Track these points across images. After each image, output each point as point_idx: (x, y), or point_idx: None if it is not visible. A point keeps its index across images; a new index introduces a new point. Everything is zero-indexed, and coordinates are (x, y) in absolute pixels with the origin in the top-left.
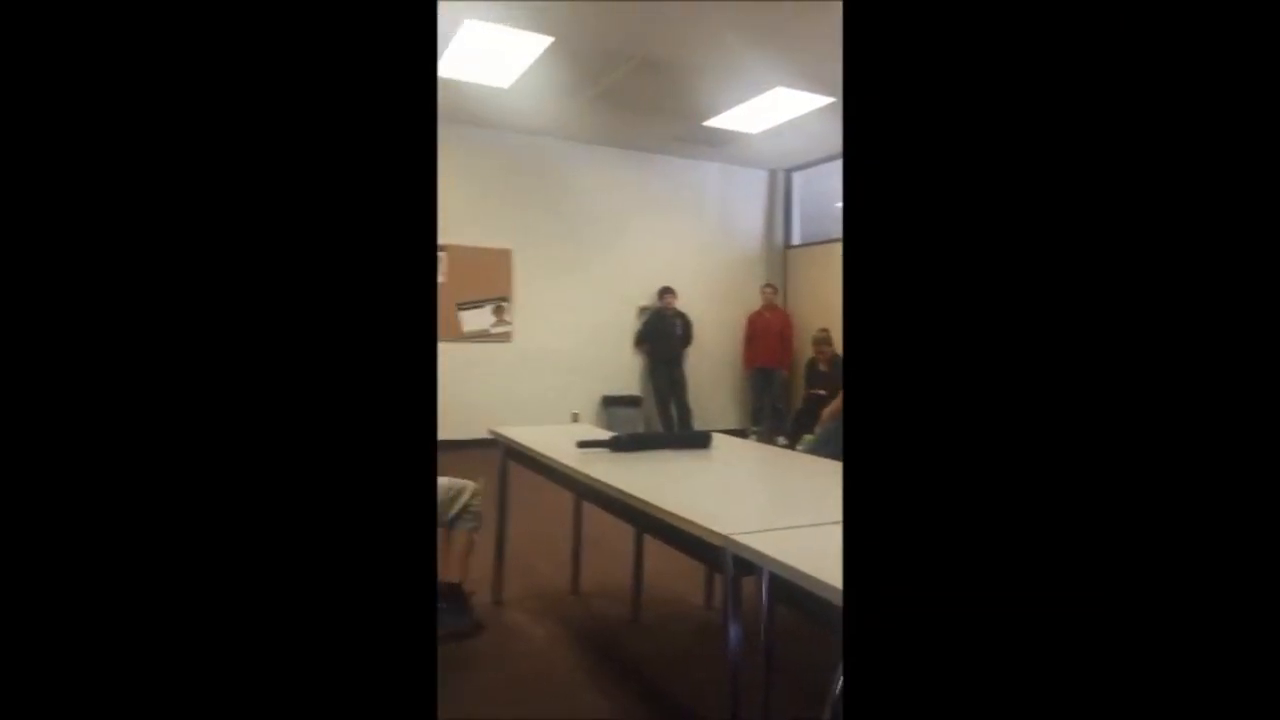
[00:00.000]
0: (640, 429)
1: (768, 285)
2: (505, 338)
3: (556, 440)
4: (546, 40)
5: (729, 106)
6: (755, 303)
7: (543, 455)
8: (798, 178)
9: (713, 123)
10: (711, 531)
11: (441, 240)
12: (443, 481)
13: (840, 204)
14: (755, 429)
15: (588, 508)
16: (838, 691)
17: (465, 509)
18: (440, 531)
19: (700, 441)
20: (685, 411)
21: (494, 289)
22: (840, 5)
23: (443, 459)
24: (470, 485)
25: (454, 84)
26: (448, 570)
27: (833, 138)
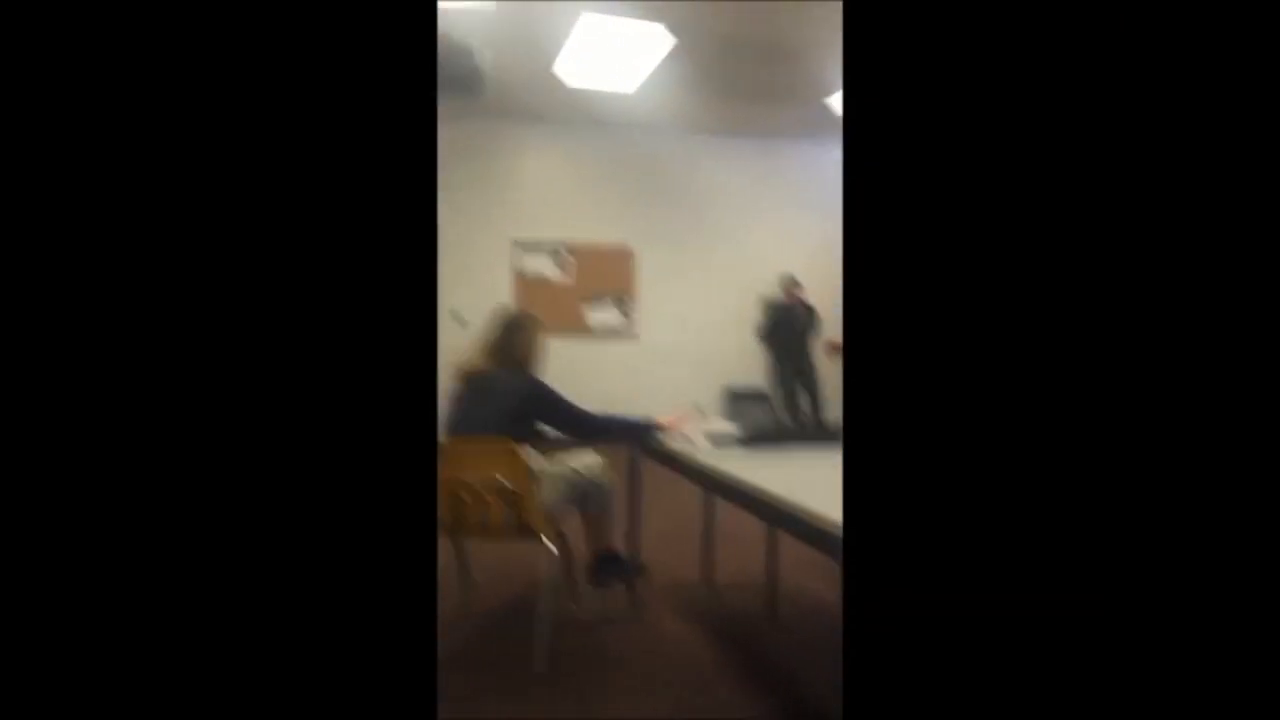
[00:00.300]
0: (765, 423)
1: None
2: (630, 334)
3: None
4: (671, 38)
5: None
6: None
7: (673, 451)
8: None
9: (834, 101)
10: None
11: (566, 240)
12: (568, 466)
13: None
14: None
15: (718, 500)
16: None
17: (592, 484)
18: (579, 516)
19: (832, 435)
20: (818, 403)
21: (618, 286)
22: None
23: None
24: (592, 461)
25: (577, 90)
26: (594, 543)
27: None
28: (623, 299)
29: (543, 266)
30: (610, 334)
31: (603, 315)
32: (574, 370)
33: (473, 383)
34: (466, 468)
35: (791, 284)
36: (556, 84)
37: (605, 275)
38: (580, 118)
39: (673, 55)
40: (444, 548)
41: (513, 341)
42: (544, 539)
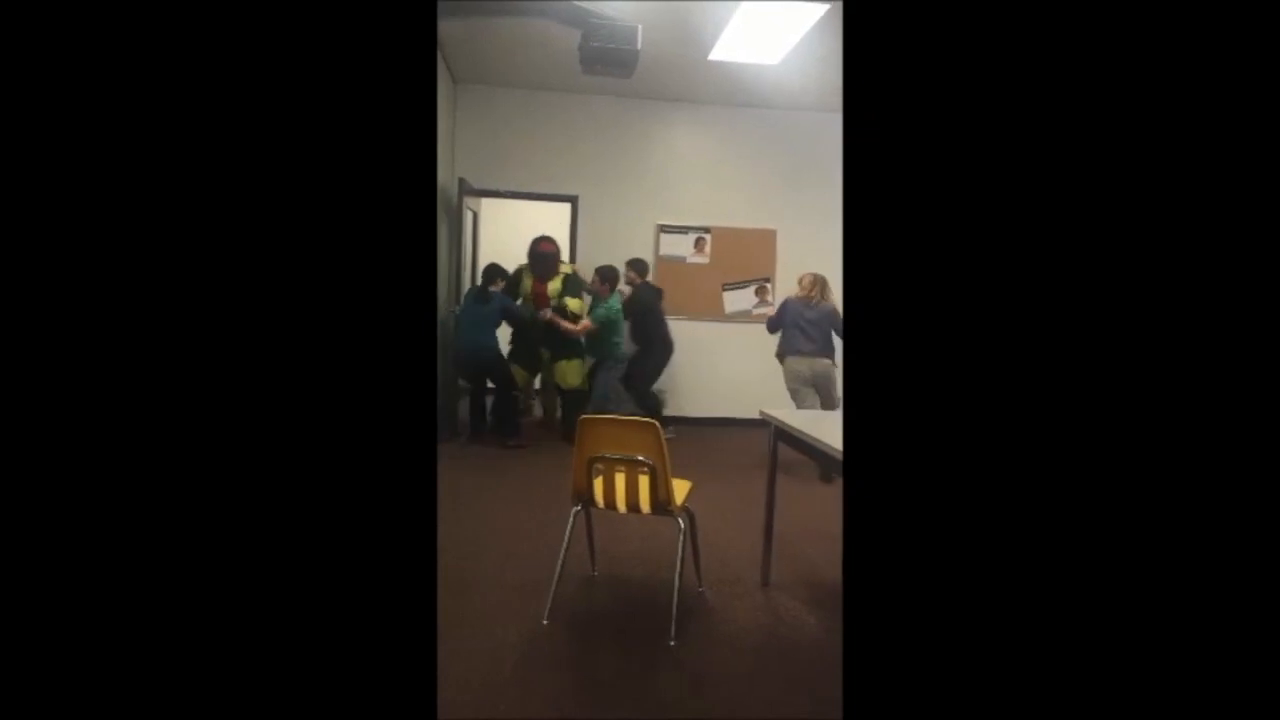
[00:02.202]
0: None
1: None
2: (767, 318)
3: (826, 425)
4: (822, 9)
5: None
6: None
7: (815, 440)
8: None
9: None
10: None
11: (706, 222)
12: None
13: None
14: None
15: None
16: None
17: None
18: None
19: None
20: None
21: (758, 270)
22: None
23: (710, 436)
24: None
25: (721, 65)
26: None
27: None
28: (762, 283)
29: (683, 249)
30: (748, 318)
31: (740, 299)
32: (713, 354)
33: (800, 303)
34: (605, 443)
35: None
36: (699, 58)
37: (745, 259)
38: (723, 96)
39: (826, 30)
40: (578, 519)
41: (826, 288)
42: (675, 515)
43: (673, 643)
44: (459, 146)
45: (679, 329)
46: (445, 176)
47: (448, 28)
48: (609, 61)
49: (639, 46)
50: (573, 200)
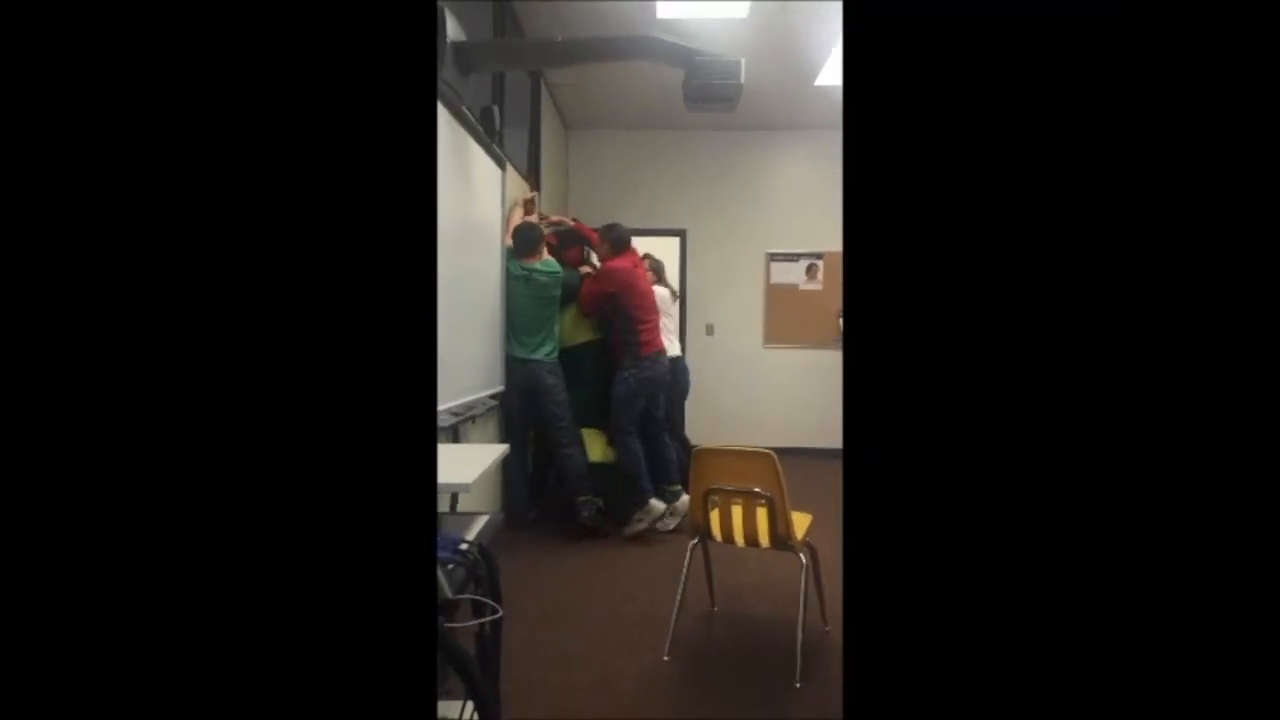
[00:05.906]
0: None
1: None
2: None
3: None
4: None
5: None
6: None
7: None
8: None
9: None
10: None
11: (820, 249)
12: None
13: None
14: None
15: None
16: None
17: None
18: None
19: None
20: None
21: None
22: None
23: (833, 468)
24: None
25: (827, 90)
26: None
27: None
28: None
29: (795, 277)
30: None
31: None
32: (834, 380)
33: None
34: (722, 475)
35: None
36: (805, 84)
37: None
38: (829, 120)
39: None
40: (695, 553)
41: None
42: (796, 550)
43: (799, 684)
44: (572, 189)
45: (796, 358)
46: (559, 217)
47: (557, 77)
48: (713, 98)
49: (742, 80)
50: (681, 234)
